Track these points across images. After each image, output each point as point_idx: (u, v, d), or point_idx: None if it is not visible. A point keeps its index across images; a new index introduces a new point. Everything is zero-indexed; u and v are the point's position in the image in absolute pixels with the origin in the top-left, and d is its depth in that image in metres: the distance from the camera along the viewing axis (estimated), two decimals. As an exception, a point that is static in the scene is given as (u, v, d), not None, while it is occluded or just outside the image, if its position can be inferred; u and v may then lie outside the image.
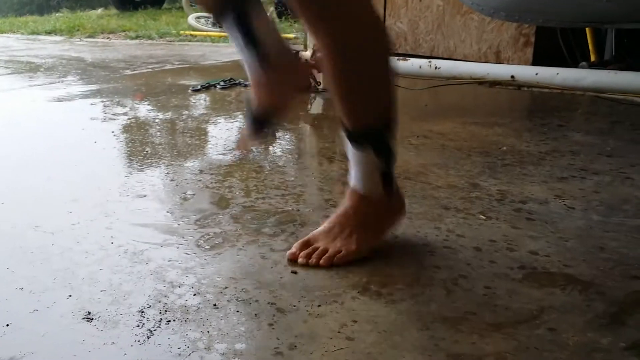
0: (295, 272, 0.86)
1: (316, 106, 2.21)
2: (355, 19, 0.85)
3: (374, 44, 0.88)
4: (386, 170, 0.92)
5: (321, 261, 0.88)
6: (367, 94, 0.89)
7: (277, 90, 0.91)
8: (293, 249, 0.91)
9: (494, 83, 1.67)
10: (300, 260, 0.89)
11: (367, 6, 0.87)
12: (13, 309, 0.76)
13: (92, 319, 0.73)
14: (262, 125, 1.01)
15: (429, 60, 1.83)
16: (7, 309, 0.76)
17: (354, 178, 0.93)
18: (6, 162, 1.43)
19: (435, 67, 1.79)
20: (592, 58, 2.51)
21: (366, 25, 0.87)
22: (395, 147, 0.92)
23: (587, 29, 2.49)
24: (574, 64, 2.51)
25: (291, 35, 5.11)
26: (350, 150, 0.92)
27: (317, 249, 0.90)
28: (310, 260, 0.88)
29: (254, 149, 1.13)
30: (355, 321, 0.73)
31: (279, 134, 1.69)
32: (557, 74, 1.53)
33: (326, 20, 0.84)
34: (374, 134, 0.91)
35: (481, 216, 1.06)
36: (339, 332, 0.71)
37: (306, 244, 0.92)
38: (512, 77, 1.60)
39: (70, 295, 0.79)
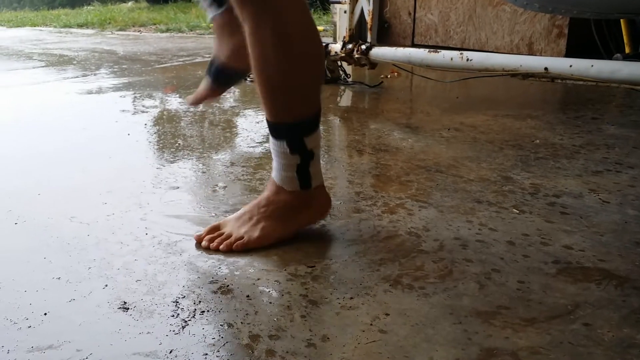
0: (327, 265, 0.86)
1: (345, 99, 2.21)
2: (289, 12, 0.85)
3: (305, 40, 0.88)
4: (302, 166, 0.92)
5: (221, 246, 0.90)
6: (289, 90, 0.89)
7: (240, 36, 0.91)
8: (202, 232, 0.94)
9: (527, 75, 1.65)
10: (203, 243, 0.92)
11: (301, 4, 0.87)
12: (51, 298, 0.77)
13: (128, 308, 0.74)
14: (222, 79, 1.07)
15: (461, 52, 1.81)
16: (45, 298, 0.77)
17: (273, 167, 0.94)
18: (41, 154, 1.45)
19: (467, 59, 1.77)
20: (627, 50, 2.46)
21: (299, 21, 0.87)
22: (314, 148, 0.92)
23: (621, 20, 2.44)
24: (608, 56, 2.47)
25: (320, 28, 5.11)
26: (270, 138, 0.93)
27: (222, 234, 0.92)
28: (211, 245, 0.91)
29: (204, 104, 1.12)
30: (387, 314, 0.73)
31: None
32: (592, 65, 1.50)
33: (259, 7, 0.84)
34: (291, 130, 0.91)
35: (514, 210, 1.05)
36: (371, 324, 0.71)
37: (214, 229, 0.94)
38: (546, 69, 1.57)
39: (106, 285, 0.80)
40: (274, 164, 0.94)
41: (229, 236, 0.92)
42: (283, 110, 0.90)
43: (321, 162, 1.04)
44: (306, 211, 0.96)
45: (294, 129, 0.90)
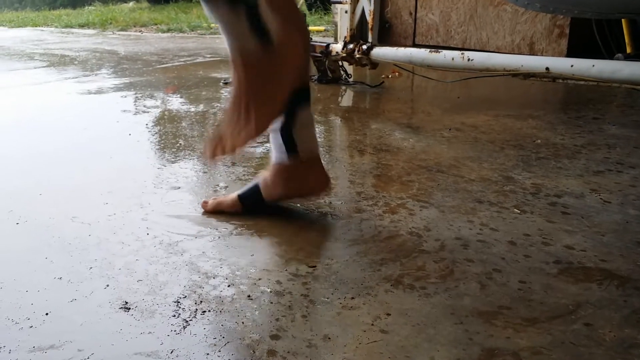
0: (327, 265, 0.86)
1: (347, 99, 2.21)
2: None
3: None
4: (249, 16, 0.85)
5: (227, 149, 0.90)
6: None
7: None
8: (207, 149, 0.92)
9: (528, 75, 1.65)
10: (213, 157, 0.91)
11: None
12: (52, 298, 0.77)
13: (129, 308, 0.74)
14: (253, 206, 1.05)
15: (462, 52, 1.81)
16: (46, 298, 0.77)
17: (227, 45, 0.89)
18: (42, 154, 1.45)
19: (468, 59, 1.77)
20: (628, 50, 2.46)
21: None
22: None
23: (622, 20, 2.44)
24: (609, 56, 2.47)
25: (321, 28, 5.11)
26: (207, 11, 0.87)
27: (224, 139, 0.91)
28: (217, 156, 0.91)
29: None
30: (388, 314, 0.73)
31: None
32: (593, 65, 1.50)
33: None
34: None
35: (515, 210, 1.05)
36: (372, 324, 0.71)
37: (215, 138, 0.92)
38: (547, 69, 1.57)
39: (107, 285, 0.80)
40: (226, 41, 0.88)
41: (229, 137, 0.91)
42: None
43: (322, 161, 1.04)
44: (280, 65, 0.90)
45: None
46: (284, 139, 0.99)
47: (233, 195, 1.06)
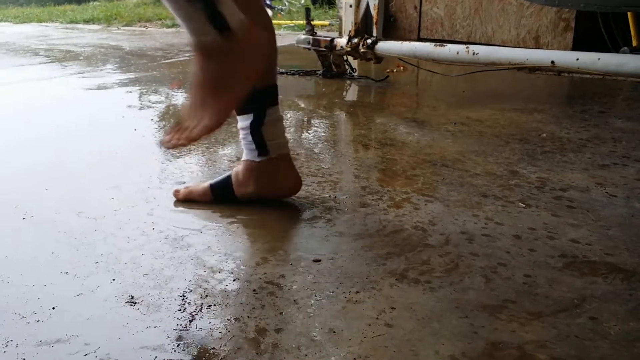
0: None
1: (351, 93, 2.21)
2: None
3: None
4: (207, 9, 0.82)
5: (181, 141, 0.88)
6: None
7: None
8: (165, 137, 0.90)
9: (533, 69, 1.64)
10: (168, 145, 0.89)
11: None
12: (58, 292, 0.78)
13: (135, 302, 0.75)
14: (223, 198, 1.07)
15: (467, 46, 1.81)
16: (53, 293, 0.78)
17: (188, 33, 0.87)
18: (48, 149, 1.46)
19: (473, 53, 1.77)
20: (634, 43, 2.45)
21: None
22: None
23: (628, 13, 2.43)
24: (615, 49, 2.46)
25: (326, 22, 5.10)
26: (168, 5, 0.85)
27: (183, 129, 0.89)
28: (175, 143, 0.88)
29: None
30: (393, 308, 0.73)
31: (314, 122, 1.70)
32: (599, 59, 1.49)
33: None
34: None
35: (520, 204, 1.05)
36: (377, 318, 0.71)
37: (176, 126, 0.90)
38: (552, 62, 1.57)
39: (113, 280, 0.80)
40: (187, 30, 0.86)
41: (187, 128, 0.89)
42: None
43: (327, 156, 1.04)
44: (241, 59, 0.87)
45: None
46: (254, 138, 1.01)
47: (205, 184, 1.08)
